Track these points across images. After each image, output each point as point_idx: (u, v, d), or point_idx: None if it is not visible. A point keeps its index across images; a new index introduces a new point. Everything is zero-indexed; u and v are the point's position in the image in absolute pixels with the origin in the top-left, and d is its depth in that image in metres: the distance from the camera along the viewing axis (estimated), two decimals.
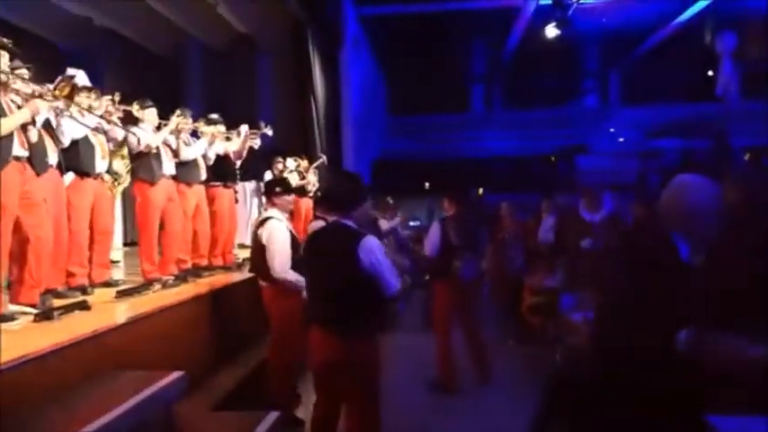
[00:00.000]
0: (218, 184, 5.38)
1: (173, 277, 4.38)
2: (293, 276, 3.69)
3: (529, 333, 5.91)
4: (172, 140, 4.66)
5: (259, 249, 3.79)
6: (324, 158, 8.53)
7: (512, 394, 4.57)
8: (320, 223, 5.79)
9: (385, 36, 12.22)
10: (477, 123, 15.56)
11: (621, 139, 14.29)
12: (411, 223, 11.71)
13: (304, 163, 7.96)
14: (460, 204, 5.08)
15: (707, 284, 2.39)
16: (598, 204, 5.82)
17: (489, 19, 12.08)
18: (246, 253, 6.12)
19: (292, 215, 7.47)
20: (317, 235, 3.19)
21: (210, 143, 5.19)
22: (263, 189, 6.96)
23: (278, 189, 4.00)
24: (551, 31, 10.14)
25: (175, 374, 2.40)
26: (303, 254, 3.14)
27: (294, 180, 7.55)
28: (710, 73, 12.16)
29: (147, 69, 9.08)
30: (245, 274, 5.11)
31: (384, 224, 8.01)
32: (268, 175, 7.12)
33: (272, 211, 3.93)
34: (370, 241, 2.84)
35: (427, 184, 14.07)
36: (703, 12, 10.10)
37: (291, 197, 4.17)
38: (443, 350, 4.85)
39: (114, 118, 4.19)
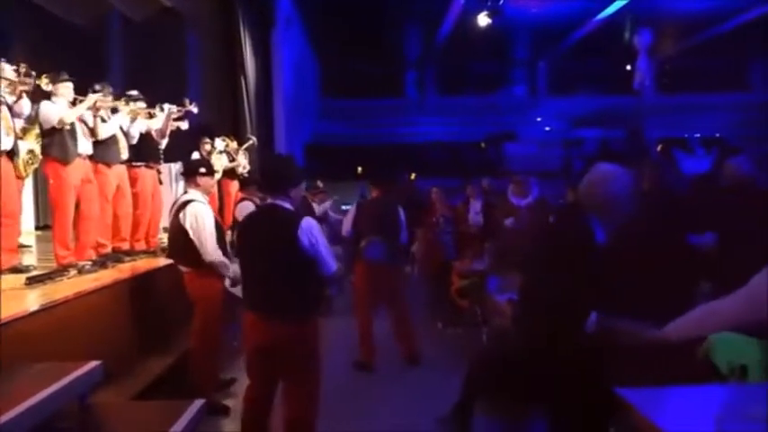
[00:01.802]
0: (140, 164, 5.13)
1: (90, 263, 4.16)
2: (224, 258, 3.65)
3: (457, 315, 6.08)
4: (88, 118, 4.38)
5: (181, 233, 3.63)
6: (254, 140, 8.33)
7: (441, 374, 4.69)
8: (249, 205, 5.71)
9: (319, 18, 12.01)
10: (411, 109, 15.69)
11: (548, 128, 14.86)
12: (343, 207, 11.69)
13: (233, 144, 7.74)
14: (381, 189, 5.21)
15: (615, 265, 2.58)
16: (526, 190, 6.19)
17: (423, 4, 12.13)
18: None
19: (222, 198, 7.27)
20: (251, 218, 3.11)
21: (133, 120, 4.94)
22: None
23: (202, 170, 3.88)
24: (483, 19, 10.33)
25: (91, 365, 2.28)
26: (237, 239, 3.07)
27: (223, 162, 7.33)
28: (629, 67, 12.82)
29: (65, 42, 8.46)
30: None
31: (316, 208, 7.97)
32: (195, 156, 6.89)
33: (194, 194, 3.77)
34: (309, 222, 2.83)
35: (360, 169, 14.08)
36: (623, 9, 10.60)
37: (214, 179, 4.07)
38: (359, 330, 5.05)
39: (20, 91, 3.89)
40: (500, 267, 5.16)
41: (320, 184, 8.92)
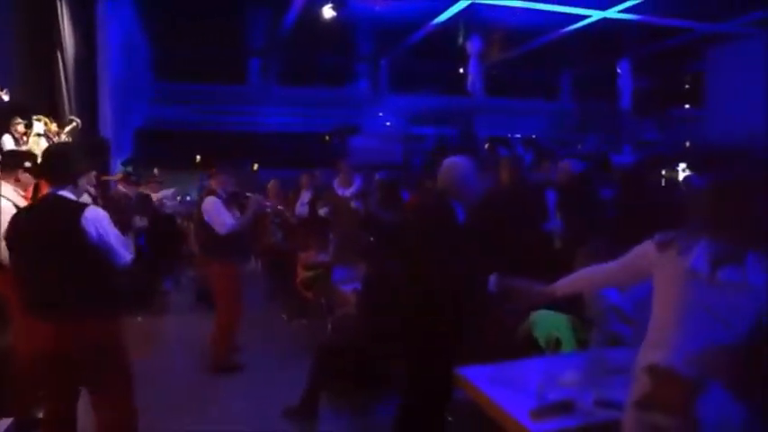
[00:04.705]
0: None
1: None
2: None
3: (302, 307, 6.09)
4: None
5: None
6: (78, 122, 7.47)
7: (287, 366, 4.68)
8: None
9: None
10: (253, 97, 15.22)
11: (388, 123, 15.42)
12: (188, 198, 11.01)
13: (53, 127, 6.86)
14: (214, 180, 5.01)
15: (480, 246, 2.85)
16: (351, 181, 6.54)
17: None
18: None
19: (38, 187, 6.41)
20: (24, 212, 2.80)
21: None
22: None
23: (27, 165, 3.42)
24: (328, 11, 10.38)
25: None
26: (8, 235, 2.69)
27: (42, 146, 6.48)
28: (462, 70, 13.81)
29: None
30: None
31: (154, 196, 7.44)
32: (7, 141, 5.97)
33: (5, 189, 3.33)
34: (95, 211, 2.62)
35: (199, 157, 13.37)
36: (458, 15, 11.36)
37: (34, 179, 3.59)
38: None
39: None
40: (345, 258, 5.28)
41: (156, 172, 8.32)
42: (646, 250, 1.97)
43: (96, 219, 2.58)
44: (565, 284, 2.32)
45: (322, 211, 6.21)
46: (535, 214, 3.96)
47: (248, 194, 4.98)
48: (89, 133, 8.22)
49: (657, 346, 1.83)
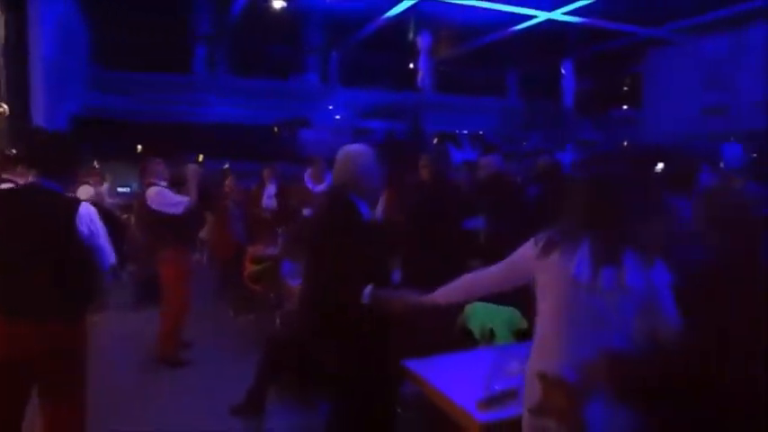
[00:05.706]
0: None
1: None
2: None
3: (249, 302, 5.99)
4: None
5: None
6: (5, 108, 7.06)
7: (236, 362, 4.60)
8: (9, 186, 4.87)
9: None
10: (199, 87, 14.76)
11: (338, 117, 15.34)
12: (120, 189, 10.56)
13: None
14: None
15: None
16: (322, 176, 6.35)
17: None
18: None
19: None
20: (3, 201, 2.58)
21: None
22: None
23: None
24: (278, 2, 10.22)
25: None
26: None
27: None
28: (412, 66, 13.89)
29: None
30: None
31: (88, 191, 7.11)
32: None
33: None
34: (89, 208, 2.49)
35: (140, 147, 12.88)
36: (408, 10, 11.40)
37: None
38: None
39: None
40: (294, 252, 5.22)
41: (96, 163, 7.98)
42: (526, 253, 1.92)
43: (90, 216, 2.46)
44: (444, 293, 2.24)
45: (306, 212, 6.00)
46: (456, 211, 3.95)
47: (187, 166, 4.86)
48: (19, 119, 7.78)
49: (546, 352, 1.84)
